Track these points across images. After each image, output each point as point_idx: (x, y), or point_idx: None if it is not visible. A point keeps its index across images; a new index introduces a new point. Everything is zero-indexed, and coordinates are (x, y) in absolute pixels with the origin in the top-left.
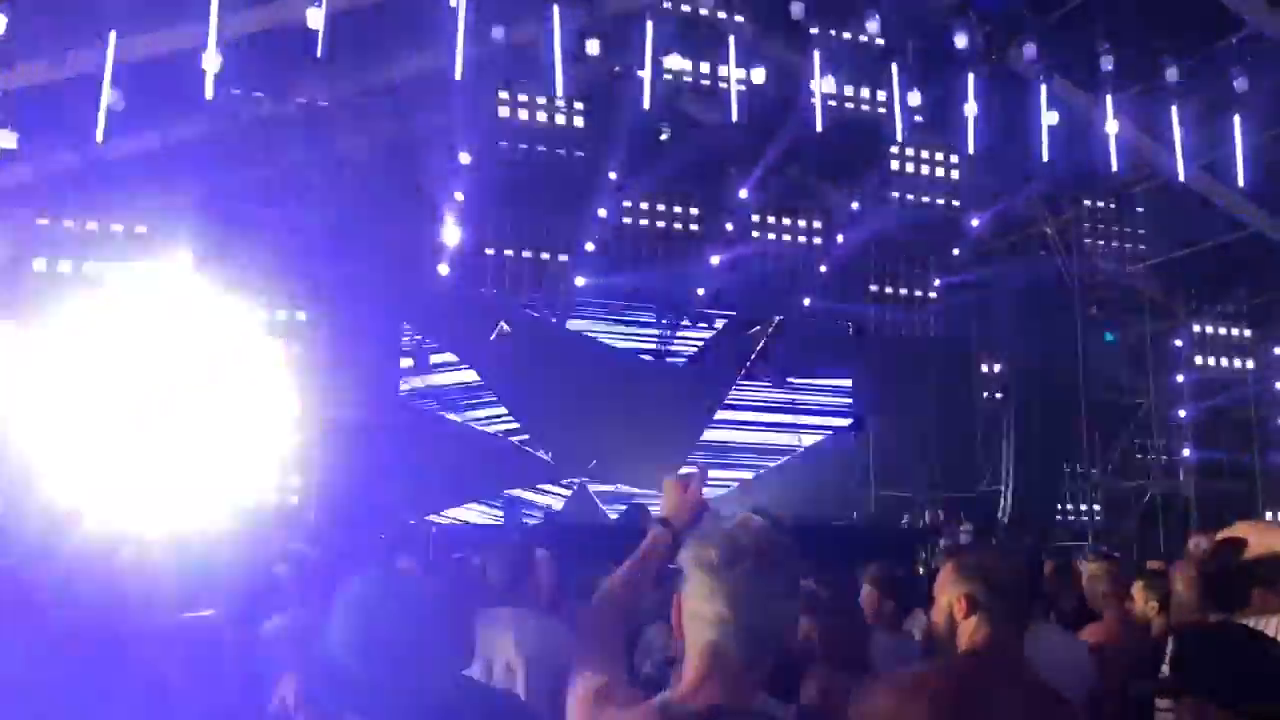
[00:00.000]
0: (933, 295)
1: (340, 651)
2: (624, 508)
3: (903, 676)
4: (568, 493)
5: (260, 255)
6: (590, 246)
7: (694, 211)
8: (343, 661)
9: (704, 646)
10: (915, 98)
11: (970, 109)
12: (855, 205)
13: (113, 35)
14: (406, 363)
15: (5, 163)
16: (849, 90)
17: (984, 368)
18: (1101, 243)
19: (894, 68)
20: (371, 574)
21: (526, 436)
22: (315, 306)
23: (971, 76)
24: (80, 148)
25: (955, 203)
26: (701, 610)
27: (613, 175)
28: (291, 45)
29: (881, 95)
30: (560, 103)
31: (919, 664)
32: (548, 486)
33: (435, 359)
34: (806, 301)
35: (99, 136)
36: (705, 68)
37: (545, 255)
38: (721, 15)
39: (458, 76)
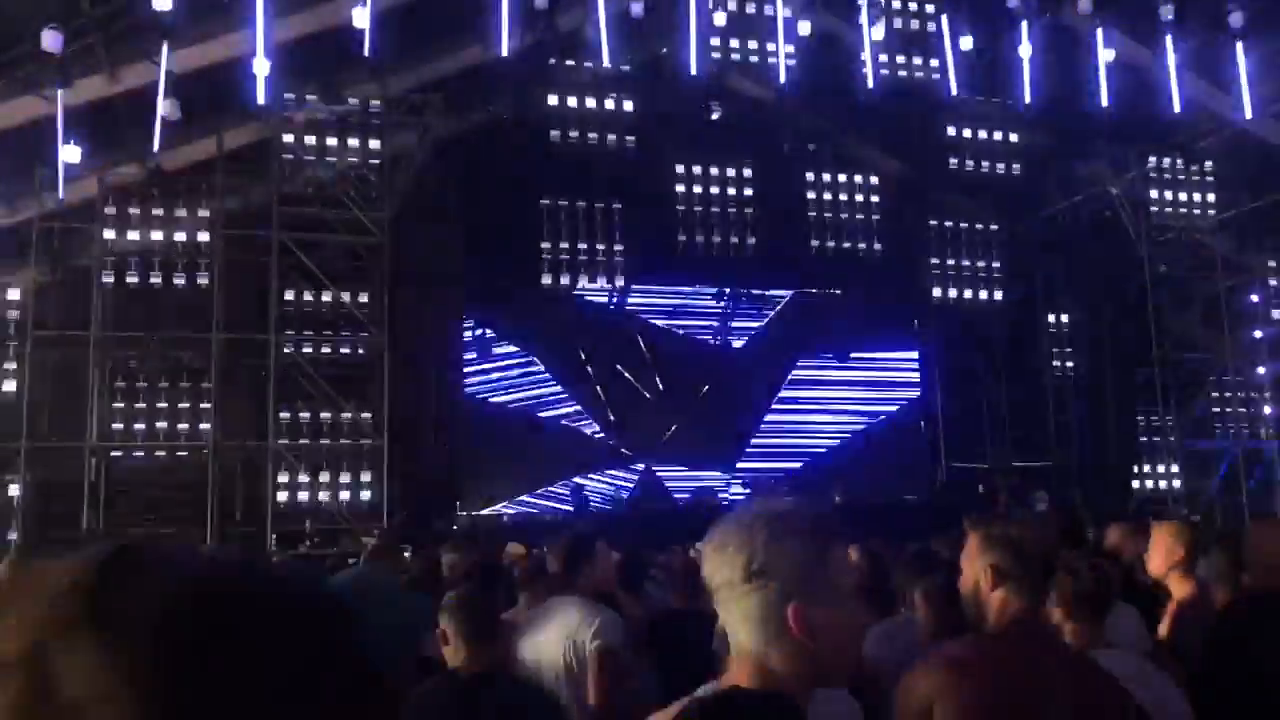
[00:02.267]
0: (996, 261)
1: None
2: (690, 491)
3: (951, 652)
4: (634, 478)
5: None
6: (646, 233)
7: (748, 193)
8: None
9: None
10: (967, 43)
11: (1025, 53)
12: (913, 173)
13: (165, 46)
14: (469, 354)
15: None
16: (900, 57)
17: (1053, 331)
18: (1169, 196)
19: (944, 21)
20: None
21: (590, 422)
22: (379, 302)
23: (1025, 27)
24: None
25: (1016, 166)
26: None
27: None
28: (340, 46)
29: (934, 62)
30: (609, 87)
31: (964, 639)
32: (614, 472)
33: (497, 349)
34: (869, 275)
35: (155, 145)
36: (753, 43)
37: (601, 241)
38: None
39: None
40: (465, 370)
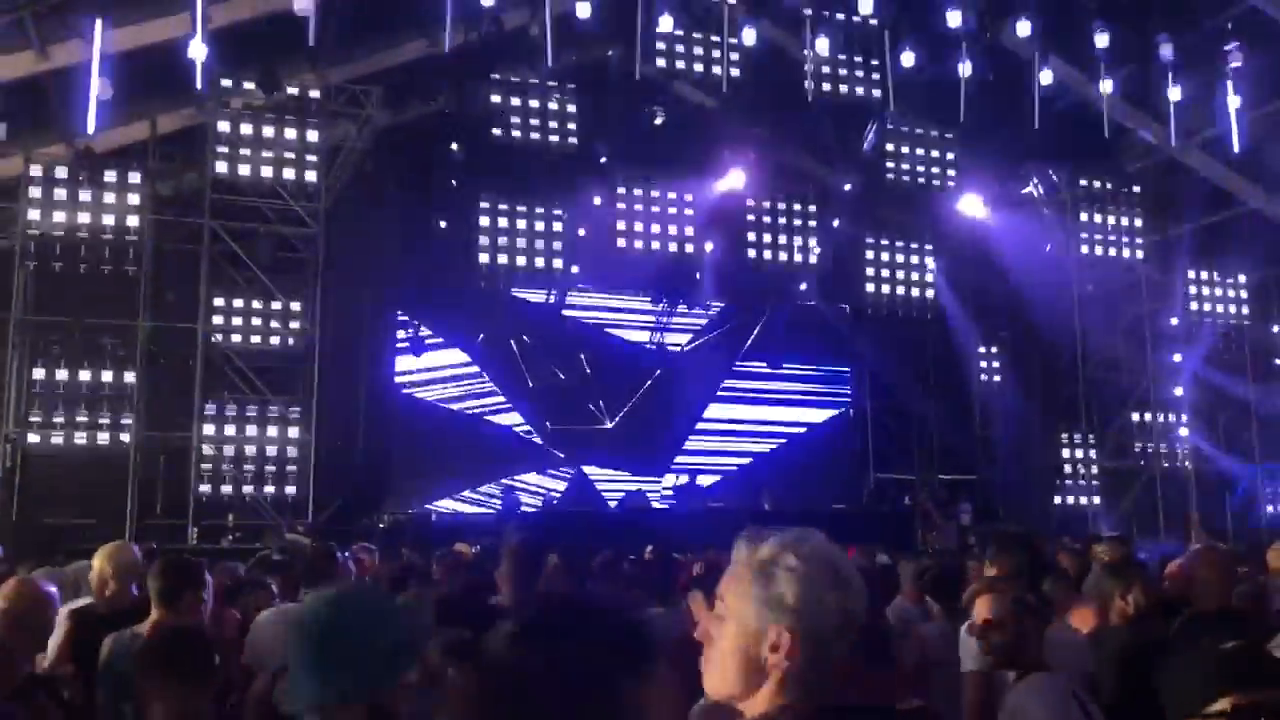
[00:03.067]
0: (929, 276)
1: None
2: (622, 494)
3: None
4: (565, 480)
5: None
6: (582, 232)
7: (689, 197)
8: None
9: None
10: (909, 59)
11: (964, 72)
12: (849, 186)
13: (99, 25)
14: (402, 350)
15: None
16: (843, 71)
17: (981, 348)
18: (1099, 219)
19: (886, 36)
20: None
21: (523, 423)
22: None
23: (965, 47)
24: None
25: (951, 182)
26: (827, 630)
27: (604, 160)
28: (280, 34)
29: (875, 77)
30: (553, 83)
31: None
32: (547, 473)
33: (430, 345)
34: (803, 286)
35: (89, 127)
36: (699, 50)
37: (540, 242)
38: None
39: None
40: (397, 367)
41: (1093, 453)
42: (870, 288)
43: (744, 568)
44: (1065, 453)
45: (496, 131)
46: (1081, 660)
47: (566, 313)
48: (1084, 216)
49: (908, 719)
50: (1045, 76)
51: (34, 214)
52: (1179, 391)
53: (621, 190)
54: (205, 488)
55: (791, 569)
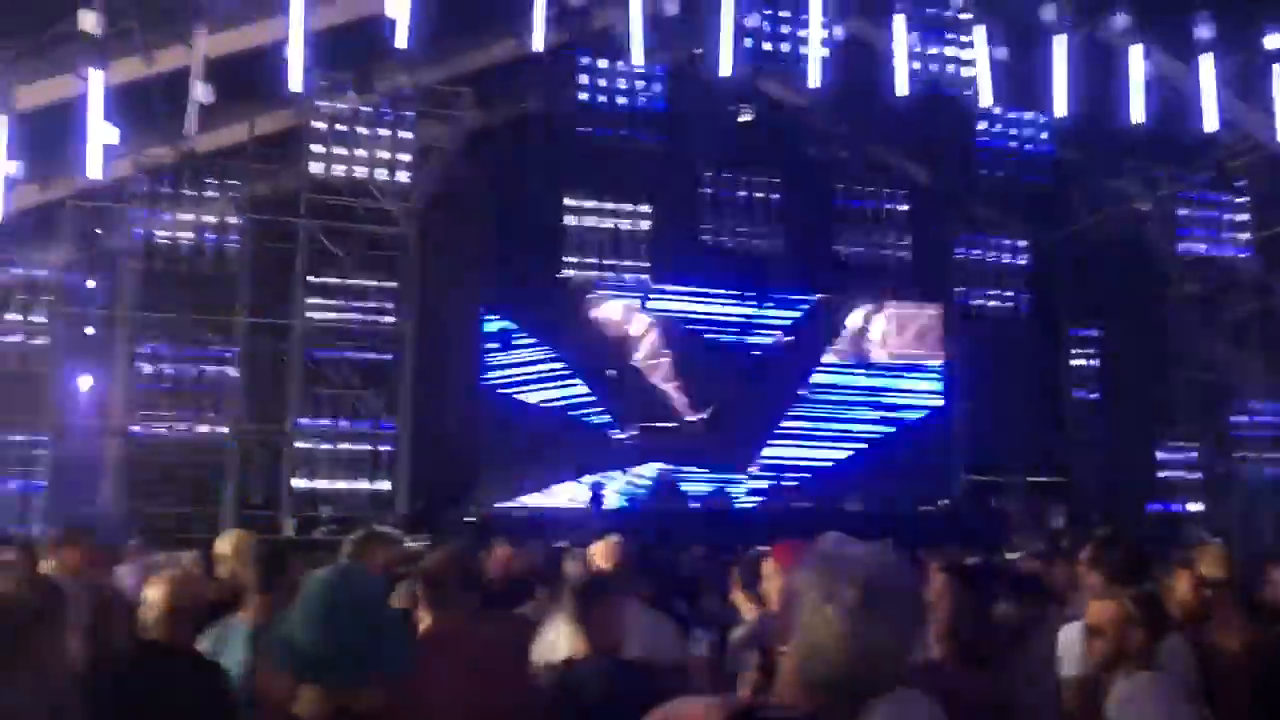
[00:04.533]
0: (1022, 274)
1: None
2: (705, 492)
3: None
4: (651, 477)
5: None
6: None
7: (775, 196)
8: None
9: (809, 677)
10: (1002, 53)
11: (1059, 66)
12: (942, 182)
13: (201, 30)
14: (491, 348)
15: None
16: (934, 65)
17: (1076, 347)
18: (1200, 216)
19: (980, 30)
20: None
21: (608, 419)
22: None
23: (1061, 40)
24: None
25: (1045, 178)
26: (820, 645)
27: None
28: (373, 37)
29: (967, 71)
30: (640, 85)
31: None
32: (632, 470)
33: (519, 343)
34: (892, 283)
35: (190, 129)
36: (786, 46)
37: (626, 241)
38: None
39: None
40: (487, 363)
41: (1193, 455)
42: (961, 285)
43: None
44: (1162, 455)
45: (585, 130)
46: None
47: (653, 308)
48: (1184, 212)
49: None
50: (1143, 69)
51: (140, 214)
52: None
53: (708, 188)
54: (300, 480)
55: (804, 567)
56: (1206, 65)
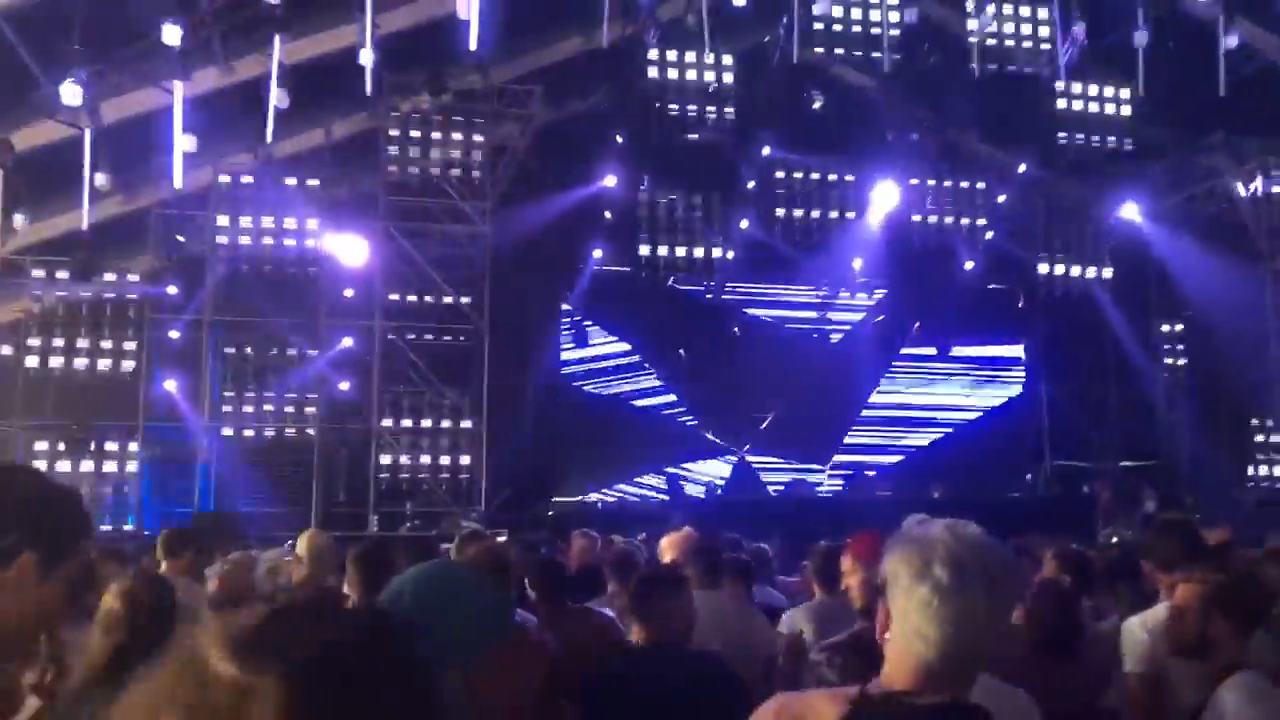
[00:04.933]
0: (1107, 255)
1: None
2: (785, 482)
3: None
4: (728, 468)
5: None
6: (745, 223)
7: (849, 179)
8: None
9: (913, 660)
10: (1080, 29)
11: (1141, 40)
12: (1020, 165)
13: (277, 39)
14: (566, 342)
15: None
16: (1010, 44)
17: (1164, 328)
18: None
19: (1055, 5)
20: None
21: (686, 411)
22: (480, 289)
23: (1142, 13)
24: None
25: (1128, 157)
26: (919, 626)
27: (765, 147)
28: (443, 38)
29: (1045, 48)
30: (710, 76)
31: None
32: (709, 462)
33: (594, 336)
34: (970, 265)
35: (269, 136)
36: (857, 29)
37: (700, 230)
38: None
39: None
40: (563, 357)
41: None
42: (1044, 268)
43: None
44: (1259, 439)
45: (656, 123)
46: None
47: (727, 299)
48: (1276, 189)
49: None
50: (1231, 40)
51: (222, 220)
52: None
53: (781, 174)
54: (384, 476)
55: (891, 552)
56: None
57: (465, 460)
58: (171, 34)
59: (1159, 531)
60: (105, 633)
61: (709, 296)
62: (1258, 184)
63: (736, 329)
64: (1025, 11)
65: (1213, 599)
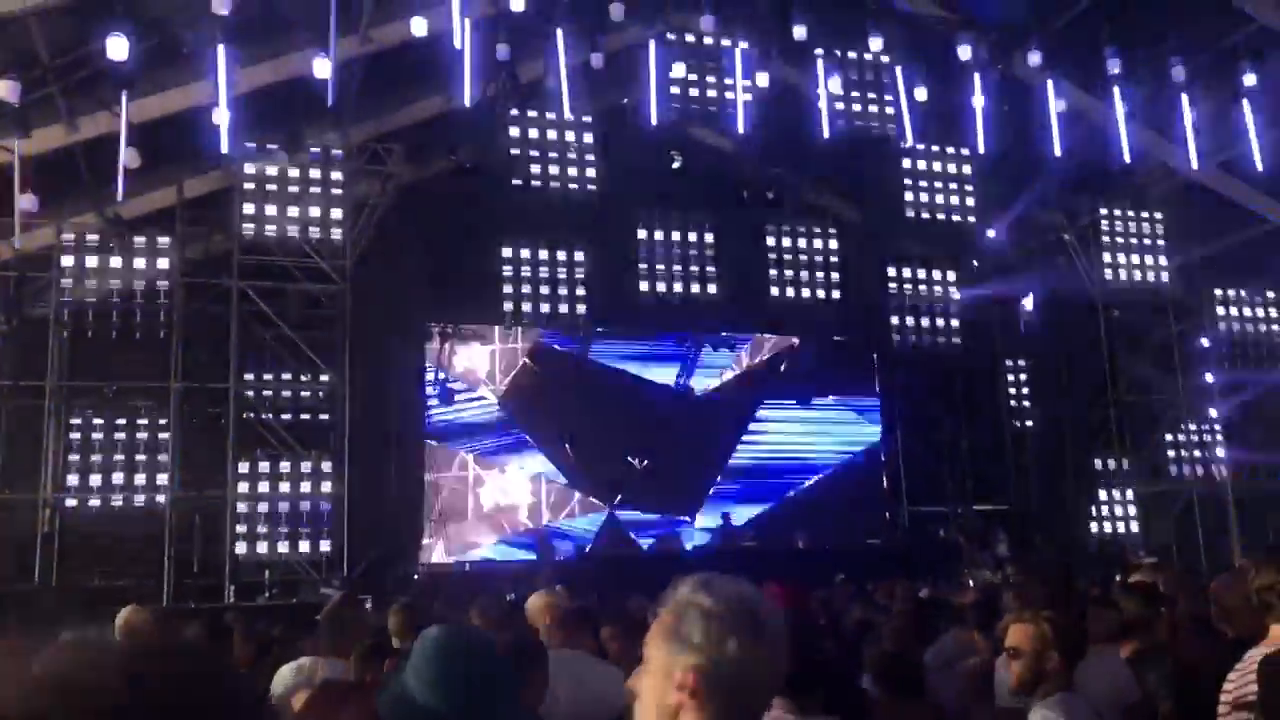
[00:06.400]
0: (953, 308)
1: (418, 688)
2: (654, 538)
3: None
4: (596, 526)
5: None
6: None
7: (708, 239)
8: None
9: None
10: (922, 93)
11: (978, 104)
12: (870, 221)
13: (124, 96)
14: (431, 402)
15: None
16: (857, 106)
17: (1010, 376)
18: (1121, 244)
19: (898, 72)
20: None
21: (554, 468)
22: (339, 350)
23: (978, 78)
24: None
25: (970, 218)
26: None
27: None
28: (301, 96)
29: (889, 111)
30: (570, 136)
31: None
32: (579, 519)
33: (461, 394)
34: (827, 321)
35: (118, 195)
36: (713, 93)
37: (563, 288)
38: (725, 42)
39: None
40: (428, 416)
41: (1128, 478)
42: (895, 320)
43: (664, 614)
44: (1100, 479)
45: (517, 181)
46: (1126, 687)
47: (593, 356)
48: (1107, 240)
49: None
50: (1058, 105)
51: (67, 282)
52: (1213, 412)
53: (642, 234)
54: (241, 546)
55: (699, 607)
56: (1117, 99)
57: (326, 526)
58: (8, 90)
59: (1029, 577)
60: None
61: (575, 352)
62: (1090, 235)
63: (603, 386)
64: (870, 77)
65: (1048, 637)
